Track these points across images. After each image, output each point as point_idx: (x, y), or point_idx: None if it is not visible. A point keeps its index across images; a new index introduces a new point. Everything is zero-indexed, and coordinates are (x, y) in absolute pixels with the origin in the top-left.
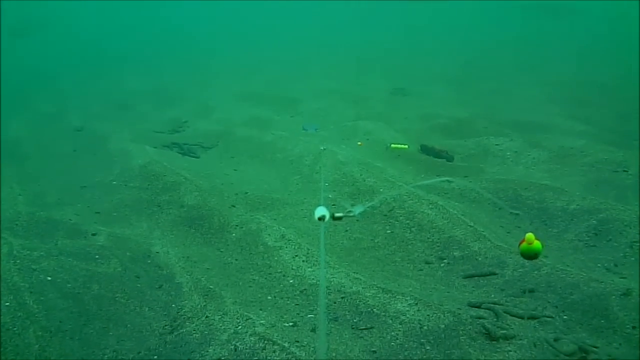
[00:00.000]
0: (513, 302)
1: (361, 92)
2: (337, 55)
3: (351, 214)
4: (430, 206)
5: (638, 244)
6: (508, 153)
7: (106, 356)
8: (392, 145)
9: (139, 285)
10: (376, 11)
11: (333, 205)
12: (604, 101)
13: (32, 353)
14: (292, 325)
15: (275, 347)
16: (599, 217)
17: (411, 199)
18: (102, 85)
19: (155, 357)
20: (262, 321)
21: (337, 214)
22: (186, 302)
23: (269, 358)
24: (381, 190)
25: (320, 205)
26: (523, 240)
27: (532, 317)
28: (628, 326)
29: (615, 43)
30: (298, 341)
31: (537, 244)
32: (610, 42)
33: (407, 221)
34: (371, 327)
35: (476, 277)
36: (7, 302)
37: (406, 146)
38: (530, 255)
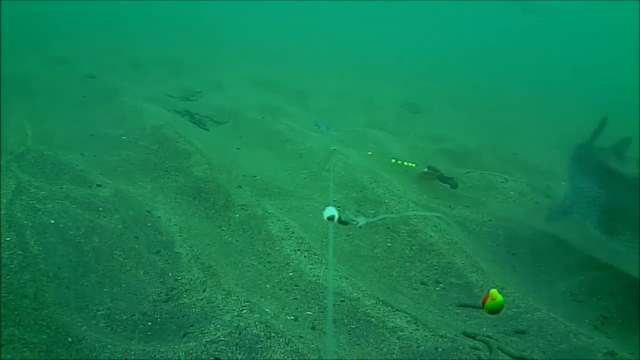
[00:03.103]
0: (504, 339)
1: (373, 99)
2: (354, 57)
3: (355, 223)
4: (434, 229)
5: (628, 308)
6: (512, 192)
7: (99, 313)
8: (405, 163)
9: (137, 246)
10: (403, 19)
11: (338, 207)
12: None
13: (27, 295)
14: (293, 320)
15: (281, 338)
16: (593, 274)
17: (416, 217)
18: (119, 40)
19: (150, 323)
20: (267, 309)
21: (343, 219)
22: (184, 273)
23: (273, 348)
24: (386, 201)
25: (329, 205)
26: (486, 297)
27: (522, 358)
28: None
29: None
30: (302, 336)
31: (500, 298)
32: (621, 95)
33: (409, 238)
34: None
35: (469, 308)
36: (8, 238)
37: (414, 165)
38: (498, 309)
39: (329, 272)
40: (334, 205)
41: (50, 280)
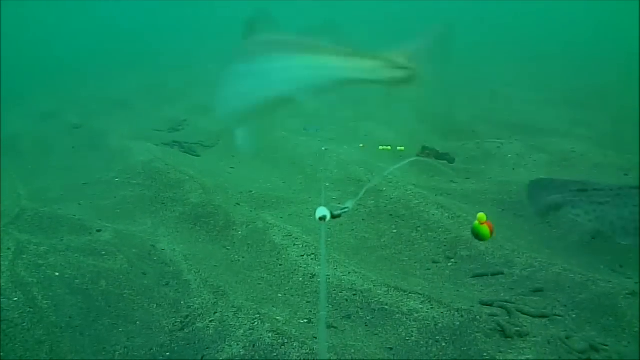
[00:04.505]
0: (523, 300)
1: (358, 92)
2: None
3: (347, 210)
4: (436, 206)
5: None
6: (509, 155)
7: (118, 353)
8: (390, 148)
9: (146, 282)
10: (369, 7)
11: (338, 205)
12: (602, 105)
13: (43, 350)
14: (307, 322)
15: (295, 343)
16: None
17: (417, 199)
18: (98, 84)
19: (168, 353)
20: (277, 317)
21: (335, 213)
22: (195, 299)
23: (288, 354)
24: (384, 189)
25: (321, 205)
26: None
27: (543, 316)
28: (636, 325)
29: (610, 47)
30: (316, 337)
31: (485, 229)
32: (605, 46)
33: (414, 221)
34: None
35: (485, 277)
36: (16, 298)
37: (402, 147)
38: (477, 235)
39: (321, 275)
40: (329, 204)
41: (64, 330)
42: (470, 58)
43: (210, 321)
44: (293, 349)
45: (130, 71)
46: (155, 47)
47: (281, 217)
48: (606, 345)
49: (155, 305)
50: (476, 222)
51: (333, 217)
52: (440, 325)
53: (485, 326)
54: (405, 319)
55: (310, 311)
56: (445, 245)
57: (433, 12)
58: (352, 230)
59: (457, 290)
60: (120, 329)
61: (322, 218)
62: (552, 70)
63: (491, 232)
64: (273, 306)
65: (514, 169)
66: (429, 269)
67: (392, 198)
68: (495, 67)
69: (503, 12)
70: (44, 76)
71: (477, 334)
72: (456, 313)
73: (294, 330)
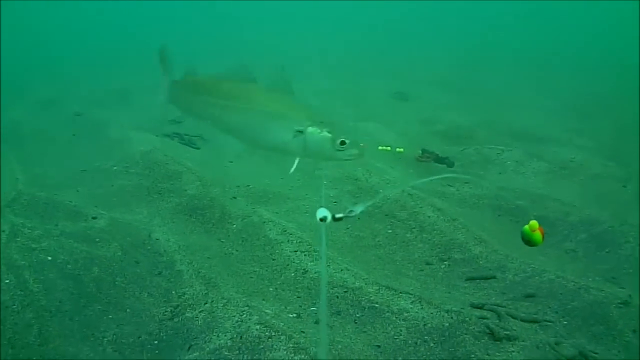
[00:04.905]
0: (514, 305)
1: (360, 93)
2: (335, 55)
3: (352, 214)
4: (431, 208)
5: (637, 256)
6: (508, 162)
7: (106, 339)
8: (390, 149)
9: (138, 270)
10: (374, 11)
11: (335, 202)
12: (602, 114)
13: (32, 333)
14: (296, 317)
15: (282, 336)
16: (598, 229)
17: (413, 200)
18: (101, 75)
19: (156, 342)
20: (266, 310)
21: (337, 215)
22: (187, 289)
23: (275, 346)
24: (382, 190)
25: (321, 206)
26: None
27: (534, 321)
28: (627, 334)
29: (614, 54)
30: (303, 331)
31: (537, 235)
32: (609, 53)
33: (409, 222)
34: None
35: (477, 280)
36: (7, 280)
37: (402, 149)
38: (529, 242)
39: (322, 279)
40: (328, 202)
41: (53, 315)
42: (471, 63)
43: (200, 312)
44: (280, 342)
45: (133, 65)
46: (156, 44)
47: (277, 213)
48: (596, 353)
49: (146, 294)
50: (526, 227)
51: (335, 219)
52: (429, 325)
53: (474, 328)
54: (394, 318)
55: (300, 306)
56: (439, 248)
57: (434, 12)
58: (347, 228)
59: (449, 292)
60: (110, 316)
61: (323, 219)
62: (554, 77)
63: (543, 238)
64: (263, 299)
65: (500, 173)
66: (422, 270)
67: (388, 198)
68: (497, 73)
69: (504, 16)
70: (46, 68)
71: (465, 336)
72: (446, 314)
73: (282, 324)
